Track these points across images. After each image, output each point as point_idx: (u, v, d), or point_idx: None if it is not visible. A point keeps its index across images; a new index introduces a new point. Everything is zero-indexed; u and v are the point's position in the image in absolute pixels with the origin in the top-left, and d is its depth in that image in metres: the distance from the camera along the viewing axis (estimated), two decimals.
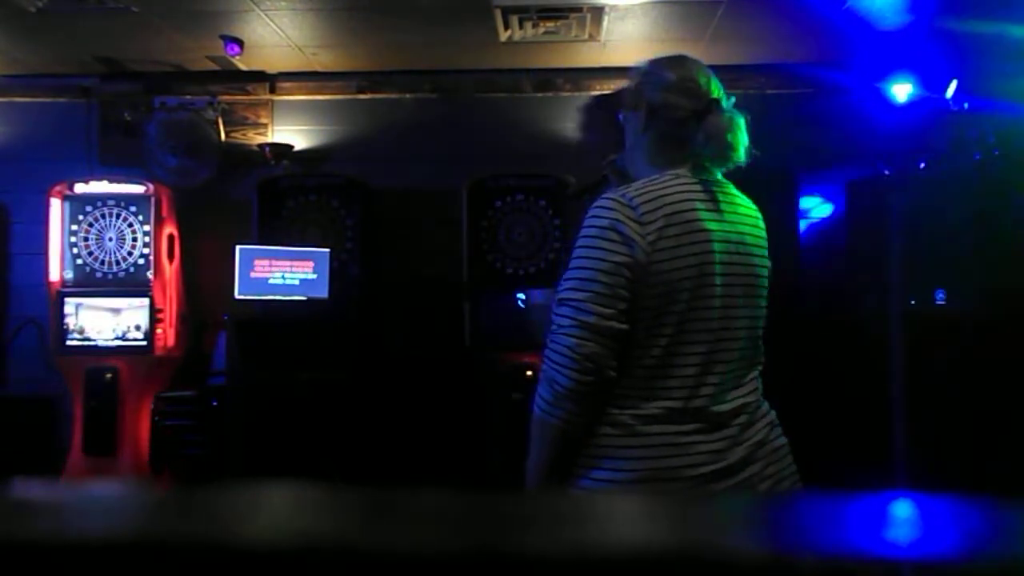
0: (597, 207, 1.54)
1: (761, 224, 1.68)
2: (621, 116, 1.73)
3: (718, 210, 1.57)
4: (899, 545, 0.38)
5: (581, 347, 1.45)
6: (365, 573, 0.37)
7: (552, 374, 1.48)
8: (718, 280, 1.54)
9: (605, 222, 1.51)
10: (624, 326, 1.47)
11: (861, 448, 3.76)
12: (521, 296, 4.52)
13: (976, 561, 0.37)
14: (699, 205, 1.55)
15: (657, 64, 1.68)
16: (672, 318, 1.50)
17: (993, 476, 3.60)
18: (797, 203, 4.60)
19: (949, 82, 4.31)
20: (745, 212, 1.65)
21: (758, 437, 1.56)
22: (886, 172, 4.34)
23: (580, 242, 1.53)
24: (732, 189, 1.65)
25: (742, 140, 1.60)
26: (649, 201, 1.52)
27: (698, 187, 1.57)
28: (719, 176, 1.64)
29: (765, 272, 1.65)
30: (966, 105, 4.31)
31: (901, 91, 4.43)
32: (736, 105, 1.64)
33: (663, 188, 1.54)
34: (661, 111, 1.62)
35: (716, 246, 1.54)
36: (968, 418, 3.85)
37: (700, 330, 1.52)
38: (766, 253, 1.67)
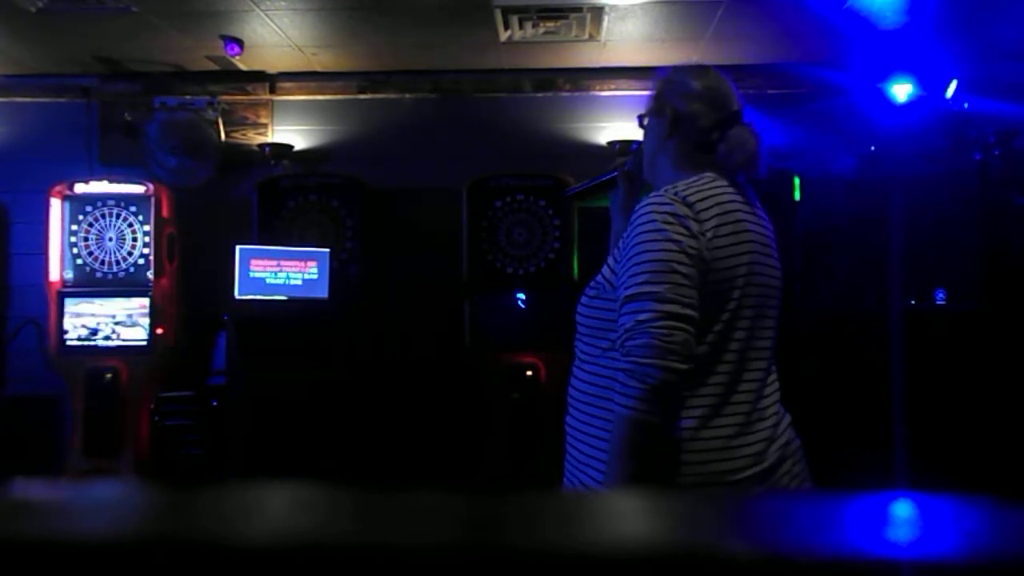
0: (653, 203, 1.52)
1: (772, 230, 1.70)
2: (643, 121, 1.73)
3: (750, 212, 1.60)
4: (899, 545, 0.38)
5: (672, 336, 1.42)
6: (365, 573, 0.37)
7: (644, 371, 1.42)
8: (762, 279, 1.56)
9: (667, 216, 1.49)
10: (698, 315, 1.46)
11: (861, 448, 3.76)
12: (521, 296, 4.52)
13: (976, 561, 0.37)
14: (740, 206, 1.57)
15: (681, 72, 1.69)
16: (723, 315, 1.51)
17: (993, 476, 3.60)
18: (796, 203, 4.60)
19: (949, 82, 4.32)
20: (764, 217, 1.67)
21: (785, 437, 1.59)
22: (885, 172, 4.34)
23: (641, 236, 1.49)
24: (752, 194, 1.67)
25: (762, 152, 1.62)
26: (702, 199, 1.52)
27: (732, 189, 1.59)
28: (741, 180, 1.65)
29: (780, 275, 1.67)
30: (966, 105, 4.31)
31: (901, 91, 4.43)
32: (753, 116, 1.67)
33: (710, 188, 1.55)
34: (686, 119, 1.63)
35: (759, 247, 1.57)
36: (968, 418, 3.85)
37: (744, 328, 1.53)
38: (777, 255, 1.69)
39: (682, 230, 1.48)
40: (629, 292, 1.47)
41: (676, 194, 1.52)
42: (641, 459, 1.45)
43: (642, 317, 1.44)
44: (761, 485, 1.51)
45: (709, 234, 1.49)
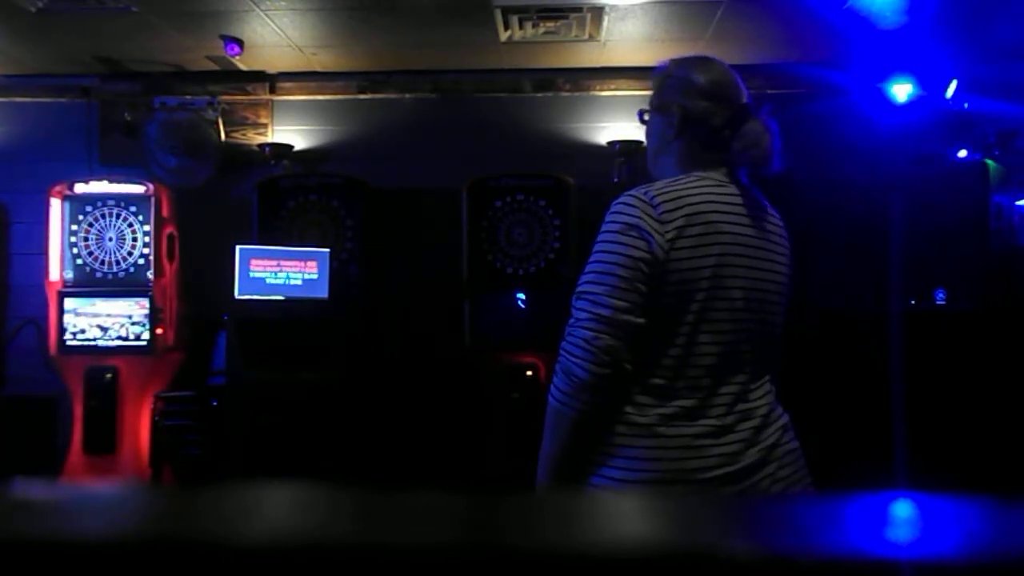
0: (618, 204, 1.54)
1: (785, 232, 1.68)
2: (643, 116, 1.72)
3: (743, 214, 1.57)
4: (899, 545, 0.38)
5: (597, 340, 1.45)
6: (365, 573, 0.37)
7: (569, 366, 1.48)
8: (737, 283, 1.53)
9: (624, 218, 1.51)
10: (640, 320, 1.47)
11: (861, 448, 3.76)
12: (521, 296, 4.52)
13: (976, 561, 0.37)
14: (722, 207, 1.55)
15: (684, 67, 1.66)
16: (689, 316, 1.50)
17: (993, 476, 3.60)
18: (796, 204, 4.59)
19: (949, 82, 4.32)
20: (770, 219, 1.65)
21: (771, 440, 1.56)
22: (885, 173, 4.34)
23: (599, 238, 1.54)
24: (758, 195, 1.65)
25: (776, 147, 1.60)
26: (670, 200, 1.51)
27: (724, 190, 1.57)
28: (745, 181, 1.63)
29: (785, 279, 1.65)
30: (966, 105, 4.31)
31: (901, 91, 4.43)
32: (768, 109, 1.64)
33: (685, 188, 1.54)
34: (696, 119, 1.61)
35: (737, 249, 1.54)
36: (968, 418, 3.85)
37: (716, 331, 1.52)
38: (788, 261, 1.66)
39: (633, 234, 1.49)
40: (577, 289, 1.53)
41: (644, 194, 1.52)
42: (560, 443, 1.54)
43: (579, 316, 1.49)
44: (734, 486, 1.50)
45: (671, 234, 1.48)
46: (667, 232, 1.49)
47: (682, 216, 1.50)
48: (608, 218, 1.54)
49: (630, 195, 1.54)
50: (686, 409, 1.50)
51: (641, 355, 1.50)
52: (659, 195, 1.52)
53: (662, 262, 1.48)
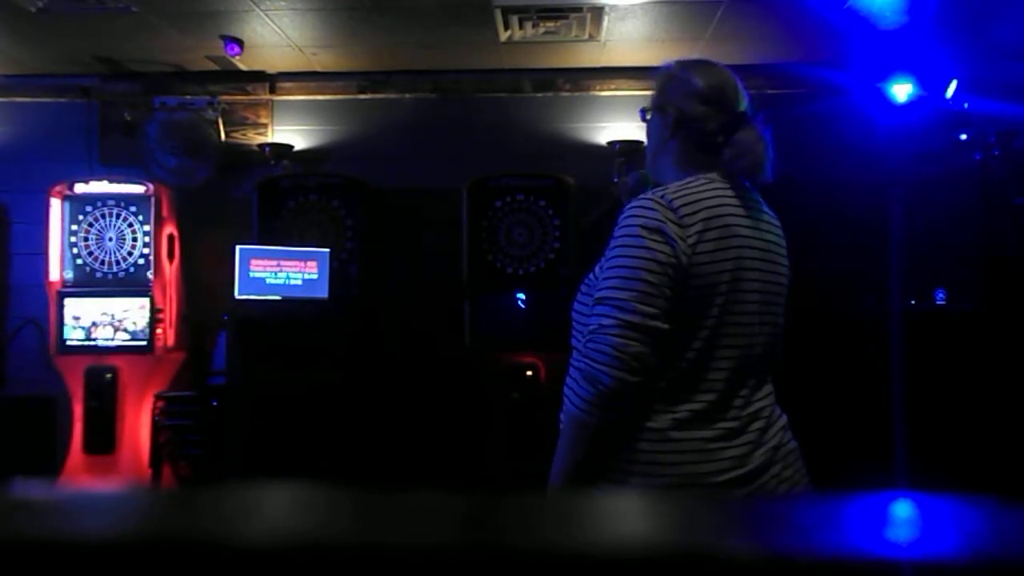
0: (636, 207, 1.52)
1: (782, 232, 1.68)
2: (644, 115, 1.72)
3: (748, 216, 1.57)
4: (899, 545, 0.38)
5: (628, 346, 1.42)
6: (365, 573, 0.37)
7: (595, 374, 1.44)
8: (753, 285, 1.54)
9: (646, 221, 1.48)
10: (666, 326, 1.45)
11: (861, 448, 3.76)
12: (521, 296, 4.52)
13: (976, 561, 0.37)
14: (734, 210, 1.54)
15: (686, 68, 1.65)
16: (708, 321, 1.49)
17: (993, 476, 3.60)
18: (796, 204, 4.59)
19: (949, 82, 4.32)
20: (769, 219, 1.65)
21: (774, 441, 1.57)
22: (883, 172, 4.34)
23: (620, 241, 1.50)
24: (757, 196, 1.65)
25: (769, 157, 1.60)
26: (688, 204, 1.50)
27: (730, 192, 1.57)
28: (746, 183, 1.63)
29: (785, 280, 1.65)
30: (966, 105, 4.31)
31: (901, 91, 4.43)
32: (762, 118, 1.64)
33: (700, 191, 1.53)
34: (690, 120, 1.60)
35: (750, 252, 1.54)
36: (968, 418, 3.85)
37: (732, 334, 1.51)
38: (786, 261, 1.67)
39: (658, 237, 1.47)
40: (599, 295, 1.49)
41: (662, 198, 1.51)
42: (580, 453, 1.50)
43: (604, 322, 1.45)
44: (744, 488, 1.50)
45: (692, 239, 1.47)
46: (688, 236, 1.48)
47: (701, 220, 1.49)
48: (625, 221, 1.51)
49: (647, 198, 1.52)
50: (699, 412, 1.50)
51: (661, 359, 1.48)
52: (676, 198, 1.51)
53: (685, 267, 1.47)
